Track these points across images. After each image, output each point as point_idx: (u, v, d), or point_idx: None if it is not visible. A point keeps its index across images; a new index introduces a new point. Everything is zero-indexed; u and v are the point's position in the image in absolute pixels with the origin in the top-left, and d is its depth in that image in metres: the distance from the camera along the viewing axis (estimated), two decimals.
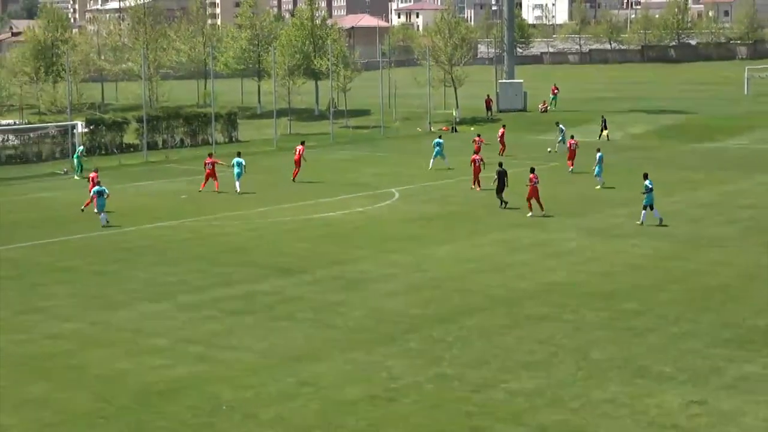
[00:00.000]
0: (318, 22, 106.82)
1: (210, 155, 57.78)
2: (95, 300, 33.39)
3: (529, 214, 47.62)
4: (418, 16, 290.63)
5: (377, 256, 39.73)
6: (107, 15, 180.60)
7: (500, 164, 51.12)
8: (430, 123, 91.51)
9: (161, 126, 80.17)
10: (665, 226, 44.66)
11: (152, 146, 76.61)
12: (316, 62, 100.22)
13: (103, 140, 77.04)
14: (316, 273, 36.90)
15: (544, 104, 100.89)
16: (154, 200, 54.90)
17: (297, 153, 60.79)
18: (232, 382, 25.06)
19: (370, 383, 24.86)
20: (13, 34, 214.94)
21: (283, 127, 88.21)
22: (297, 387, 24.67)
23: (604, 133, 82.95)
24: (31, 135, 73.28)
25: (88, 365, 26.61)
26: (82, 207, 49.69)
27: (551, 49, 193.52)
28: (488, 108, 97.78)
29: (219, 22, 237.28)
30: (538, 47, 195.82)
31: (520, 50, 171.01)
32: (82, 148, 65.15)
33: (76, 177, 62.44)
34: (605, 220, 46.44)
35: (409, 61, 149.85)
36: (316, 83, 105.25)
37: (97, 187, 47.41)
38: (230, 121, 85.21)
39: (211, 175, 56.20)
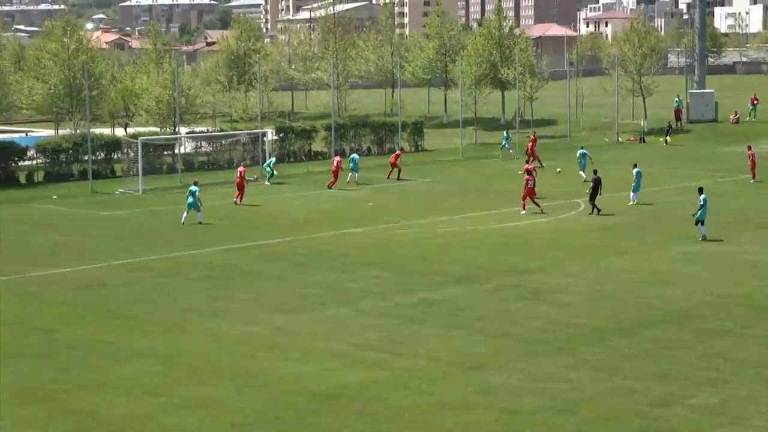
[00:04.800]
0: (506, 31, 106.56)
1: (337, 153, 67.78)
2: (277, 304, 33.99)
3: (523, 212, 51.28)
4: (607, 25, 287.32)
5: (558, 266, 39.46)
6: (298, 25, 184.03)
7: (595, 171, 52.28)
8: (618, 133, 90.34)
9: (349, 134, 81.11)
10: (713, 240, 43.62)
11: (340, 154, 77.53)
12: (503, 72, 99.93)
13: (292, 148, 78.42)
14: (495, 282, 36.85)
15: (736, 115, 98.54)
16: (340, 207, 55.63)
17: (335, 165, 64.34)
18: (411, 389, 25.19)
19: (550, 394, 24.68)
20: (208, 44, 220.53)
21: (470, 136, 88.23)
22: (476, 396, 24.66)
23: (668, 139, 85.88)
24: (223, 142, 75.12)
25: (266, 368, 27.11)
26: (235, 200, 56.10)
27: (744, 59, 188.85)
28: (678, 118, 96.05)
29: (407, 31, 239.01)
30: (730, 57, 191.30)
31: (712, 60, 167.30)
32: (273, 159, 67.17)
33: (266, 183, 64.24)
34: None
35: (597, 70, 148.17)
36: (503, 93, 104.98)
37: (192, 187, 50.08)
38: (417, 130, 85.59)
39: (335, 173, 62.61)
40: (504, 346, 28.91)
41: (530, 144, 73.43)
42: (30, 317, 32.89)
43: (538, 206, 51.93)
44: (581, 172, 63.58)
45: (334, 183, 62.73)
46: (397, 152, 69.02)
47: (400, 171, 66.13)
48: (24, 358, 28.22)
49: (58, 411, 23.96)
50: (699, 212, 43.90)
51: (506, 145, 78.58)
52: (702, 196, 44.01)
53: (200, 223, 49.65)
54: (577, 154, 65.57)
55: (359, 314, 32.55)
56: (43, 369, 27.19)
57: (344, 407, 23.98)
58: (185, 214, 50.02)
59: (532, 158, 66.13)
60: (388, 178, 65.79)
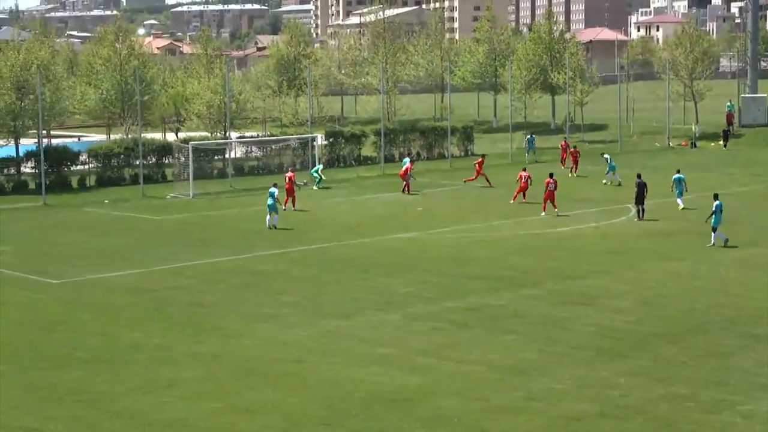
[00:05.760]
0: (556, 35, 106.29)
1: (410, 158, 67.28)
2: (325, 309, 34.05)
3: (543, 213, 52.64)
4: (658, 29, 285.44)
5: (607, 272, 39.27)
6: (348, 30, 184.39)
7: (639, 176, 51.91)
8: (669, 138, 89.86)
9: (398, 139, 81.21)
10: (734, 247, 43.23)
11: (389, 159, 77.61)
12: (553, 76, 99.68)
13: (341, 153, 78.63)
14: (545, 287, 36.72)
15: None
16: (390, 212, 55.68)
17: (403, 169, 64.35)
18: (460, 394, 25.16)
19: (600, 400, 24.56)
20: (259, 49, 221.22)
21: (519, 141, 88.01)
22: (525, 401, 24.60)
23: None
24: (273, 147, 75.44)
25: (316, 372, 27.16)
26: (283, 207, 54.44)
27: None
28: (730, 123, 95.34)
29: (457, 36, 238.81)
30: None
31: (764, 63, 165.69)
32: (321, 166, 67.71)
33: (314, 188, 64.60)
34: None
35: (647, 74, 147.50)
36: (553, 97, 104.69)
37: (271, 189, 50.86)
38: (466, 134, 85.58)
39: (403, 177, 62.75)
40: (554, 351, 28.80)
41: (562, 151, 74.11)
42: (79, 320, 33.17)
43: (543, 209, 53.15)
44: (616, 176, 63.38)
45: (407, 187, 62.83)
46: (480, 159, 67.07)
47: (478, 177, 65.01)
48: (75, 360, 28.45)
49: (108, 413, 24.14)
50: (713, 219, 43.56)
51: (532, 149, 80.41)
52: (716, 203, 43.60)
53: (275, 227, 49.77)
54: (607, 158, 65.63)
55: (409, 319, 32.56)
56: (93, 371, 27.39)
57: (395, 411, 23.99)
58: (268, 217, 50.22)
59: (572, 165, 69.44)
60: (486, 182, 64.75)
